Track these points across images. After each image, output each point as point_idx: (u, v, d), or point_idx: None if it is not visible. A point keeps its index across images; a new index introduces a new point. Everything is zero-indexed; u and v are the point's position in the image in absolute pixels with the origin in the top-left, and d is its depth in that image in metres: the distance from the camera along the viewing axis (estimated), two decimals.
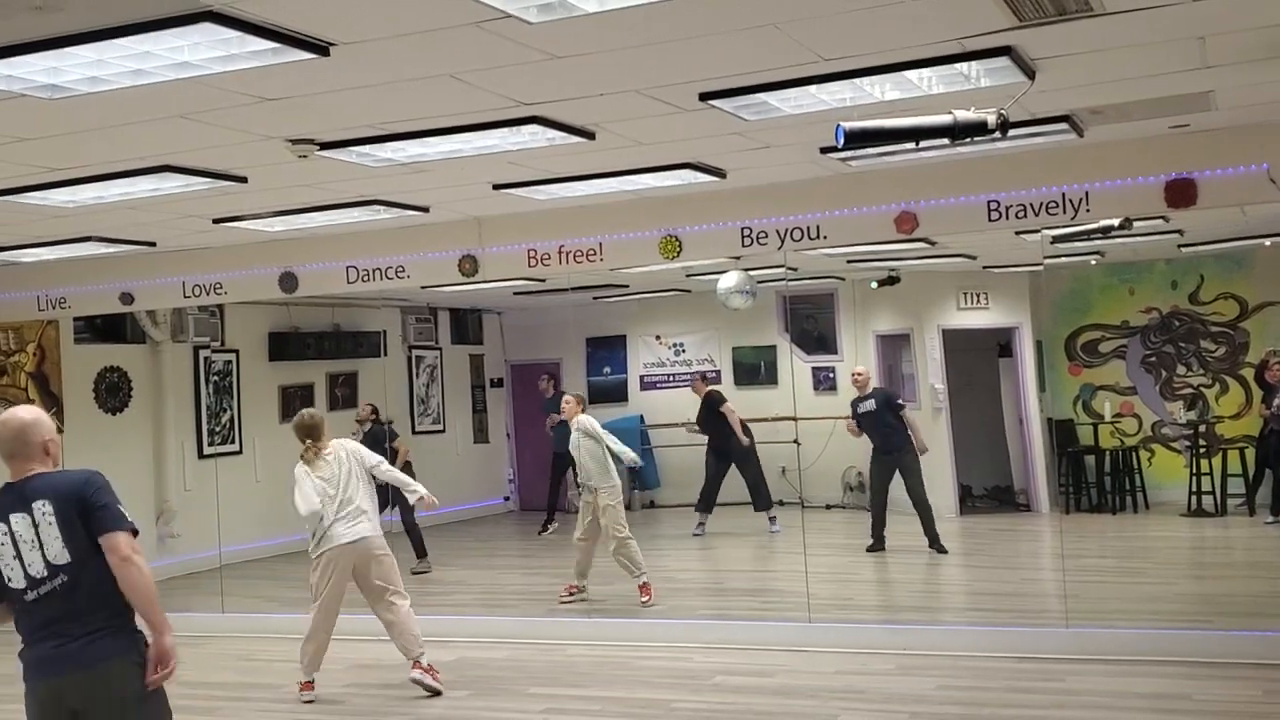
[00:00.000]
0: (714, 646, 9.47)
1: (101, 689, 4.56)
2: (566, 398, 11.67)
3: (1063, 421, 16.15)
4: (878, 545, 13.21)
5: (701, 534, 15.08)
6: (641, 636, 9.91)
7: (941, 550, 12.92)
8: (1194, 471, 14.86)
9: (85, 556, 4.53)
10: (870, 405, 13.35)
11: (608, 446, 11.10)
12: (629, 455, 11.21)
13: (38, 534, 4.54)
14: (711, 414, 15.18)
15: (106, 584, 4.54)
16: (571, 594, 11.31)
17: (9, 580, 4.61)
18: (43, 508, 4.54)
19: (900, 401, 13.47)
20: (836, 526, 15.50)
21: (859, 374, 13.68)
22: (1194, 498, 14.78)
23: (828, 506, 16.12)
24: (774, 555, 14.07)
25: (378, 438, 12.88)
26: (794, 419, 14.15)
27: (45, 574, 4.54)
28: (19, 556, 4.57)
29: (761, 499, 14.88)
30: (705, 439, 15.37)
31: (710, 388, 15.73)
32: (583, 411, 11.46)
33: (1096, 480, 15.69)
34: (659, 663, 9.18)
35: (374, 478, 8.85)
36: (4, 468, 4.72)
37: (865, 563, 13.19)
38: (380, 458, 9.04)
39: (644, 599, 10.95)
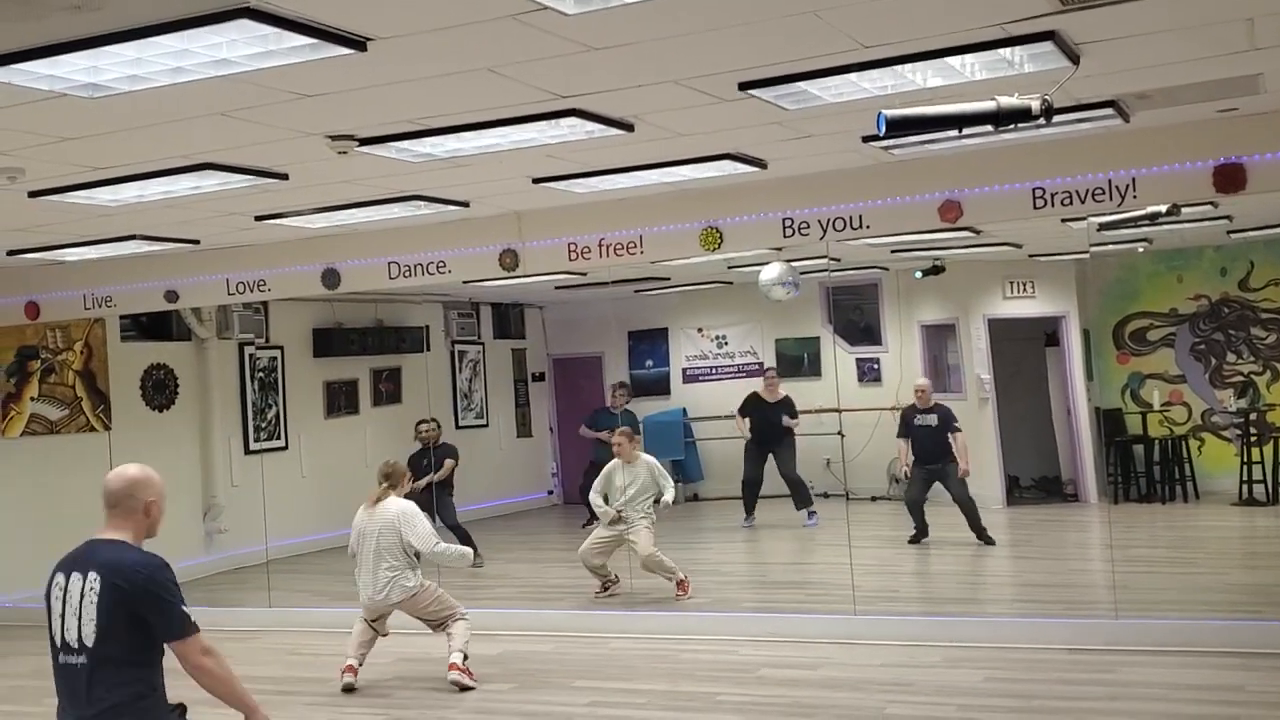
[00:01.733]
0: (759, 639, 9.43)
1: None
2: (619, 440, 11.42)
3: (1111, 411, 16.01)
4: (921, 534, 13.15)
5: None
6: (686, 629, 9.88)
7: (989, 541, 12.84)
8: (1245, 460, 14.71)
9: (110, 646, 4.39)
10: (933, 420, 13.28)
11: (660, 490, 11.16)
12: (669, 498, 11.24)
13: (81, 604, 4.42)
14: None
15: (115, 679, 4.41)
16: (606, 589, 11.29)
17: (52, 634, 4.52)
18: (94, 582, 4.42)
19: (957, 424, 13.34)
20: (881, 518, 15.42)
21: (924, 388, 13.57)
22: (1245, 487, 14.63)
23: (873, 498, 16.05)
24: (818, 548, 14.01)
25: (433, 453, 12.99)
26: (838, 411, 14.10)
27: (76, 646, 4.42)
28: (63, 616, 4.47)
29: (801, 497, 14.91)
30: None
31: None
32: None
33: (1145, 470, 15.54)
34: (704, 655, 9.15)
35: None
36: None
37: (910, 555, 13.13)
38: (428, 538, 8.85)
39: (680, 594, 10.92)
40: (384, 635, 9.07)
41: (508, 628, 10.19)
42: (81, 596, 4.42)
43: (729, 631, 9.69)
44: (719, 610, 10.73)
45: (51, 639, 4.52)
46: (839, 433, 13.95)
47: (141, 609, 4.40)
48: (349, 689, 8.74)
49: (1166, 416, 15.90)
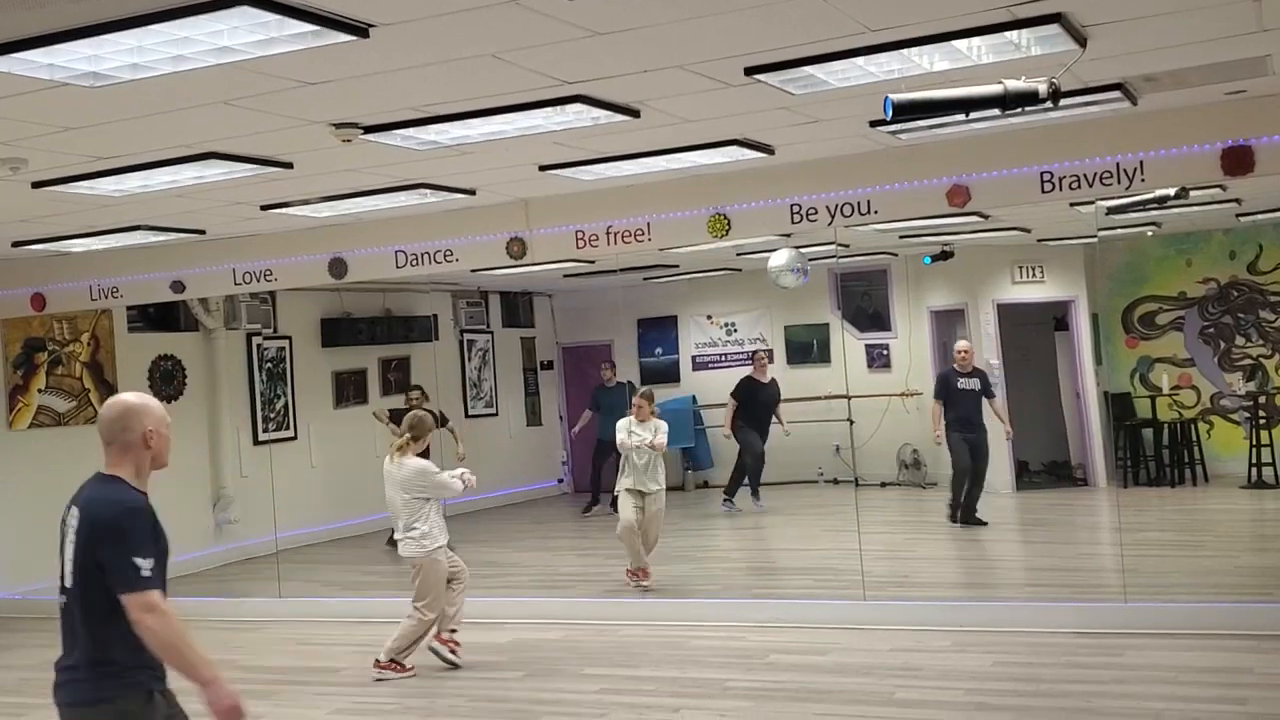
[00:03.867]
0: (768, 625, 9.43)
1: None
2: (639, 401, 11.29)
3: (1120, 395, 15.98)
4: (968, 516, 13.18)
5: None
6: (695, 616, 9.88)
7: (980, 523, 12.86)
8: (1254, 443, 14.68)
9: (84, 589, 4.15)
10: (975, 384, 13.21)
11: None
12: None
13: (63, 543, 4.23)
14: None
15: (94, 624, 4.14)
16: (637, 576, 11.24)
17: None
18: (74, 518, 4.22)
19: (991, 386, 13.26)
20: (891, 504, 15.44)
21: (965, 350, 13.45)
22: (1254, 470, 14.61)
23: (882, 484, 16.03)
24: (828, 533, 13.99)
25: None
26: (847, 397, 14.08)
27: (63, 585, 4.23)
28: (61, 552, 4.24)
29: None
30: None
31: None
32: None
33: (1154, 453, 15.52)
34: (713, 642, 9.14)
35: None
36: None
37: (920, 540, 13.13)
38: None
39: (635, 580, 10.97)
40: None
41: (518, 616, 10.19)
42: (64, 535, 4.22)
43: (738, 618, 9.69)
44: (728, 596, 10.74)
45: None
46: (848, 419, 13.93)
47: (99, 552, 4.11)
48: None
49: (1175, 400, 15.87)
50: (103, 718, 4.18)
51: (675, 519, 13.78)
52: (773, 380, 15.44)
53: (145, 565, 4.08)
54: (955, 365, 13.37)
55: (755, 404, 15.23)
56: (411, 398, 14.01)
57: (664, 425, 11.20)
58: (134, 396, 4.40)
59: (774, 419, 15.21)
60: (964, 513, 12.94)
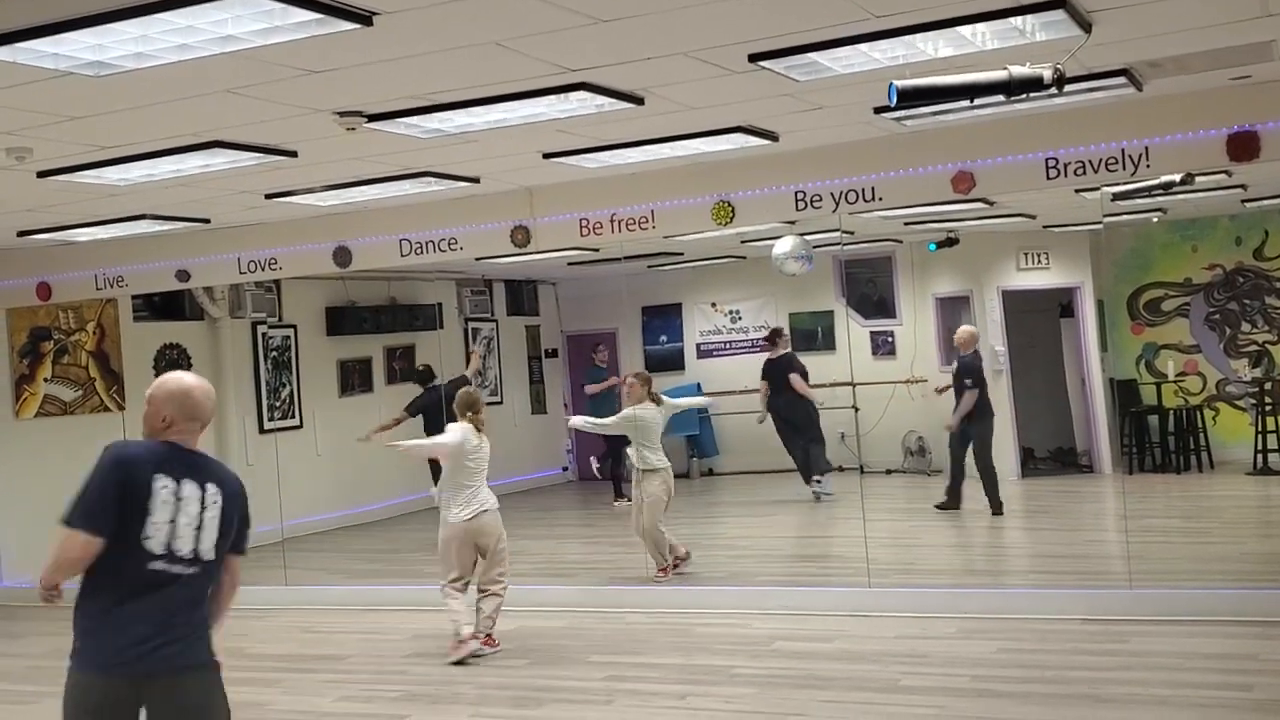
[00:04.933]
0: (773, 612, 9.43)
1: (188, 695, 4.33)
2: (631, 381, 11.22)
3: (1125, 381, 15.98)
4: (952, 503, 13.11)
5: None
6: (701, 603, 9.89)
7: (999, 512, 12.83)
8: (1259, 429, 14.67)
9: (219, 561, 4.41)
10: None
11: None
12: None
13: (202, 516, 4.32)
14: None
15: (207, 591, 4.45)
16: (676, 565, 11.05)
17: (143, 538, 4.21)
18: (215, 496, 4.37)
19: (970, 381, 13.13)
20: (896, 491, 15.45)
21: (960, 335, 13.40)
22: (1260, 456, 14.60)
23: (887, 471, 16.04)
24: (833, 521, 14.01)
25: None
26: (852, 385, 14.08)
27: (188, 558, 4.29)
28: (173, 523, 4.25)
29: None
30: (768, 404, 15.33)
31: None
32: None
33: (1160, 440, 15.52)
34: (718, 629, 9.16)
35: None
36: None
37: (925, 527, 13.12)
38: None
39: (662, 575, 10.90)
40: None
41: (523, 603, 10.18)
42: (203, 509, 4.33)
43: (743, 605, 9.70)
44: (733, 584, 10.74)
45: (138, 543, 4.20)
46: (853, 406, 13.93)
47: (240, 524, 4.49)
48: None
49: (1181, 387, 15.86)
50: (214, 678, 4.45)
51: (681, 506, 13.77)
52: (783, 355, 15.34)
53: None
54: (960, 349, 13.31)
55: (772, 382, 15.22)
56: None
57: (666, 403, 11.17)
58: (208, 382, 4.58)
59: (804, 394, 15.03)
60: (990, 503, 12.88)
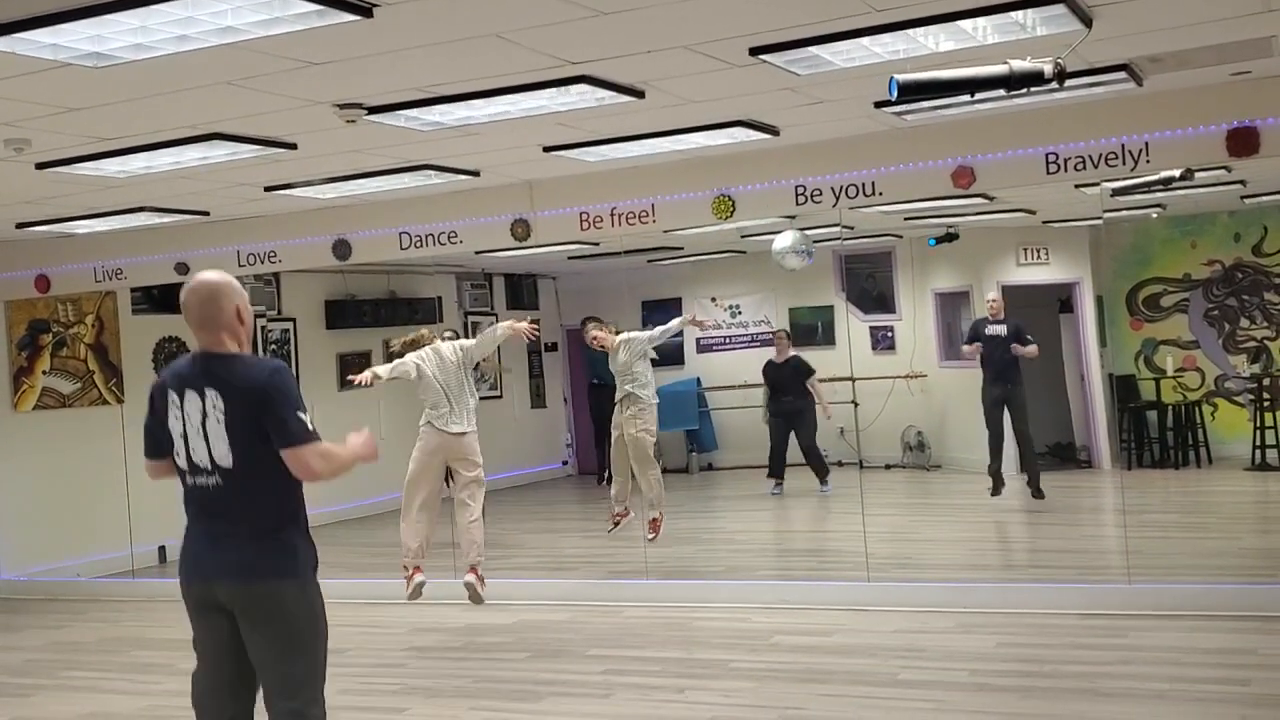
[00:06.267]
0: (772, 606, 9.43)
1: (258, 608, 4.37)
2: (591, 333, 11.21)
3: (1124, 377, 15.97)
4: (997, 489, 13.02)
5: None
6: (700, 598, 9.88)
7: (1039, 495, 12.79)
8: (1258, 425, 14.67)
9: (250, 463, 4.32)
10: (1001, 330, 12.93)
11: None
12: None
13: (204, 425, 4.32)
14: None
15: (272, 494, 4.38)
16: (617, 523, 11.13)
17: (176, 455, 4.44)
18: (215, 400, 4.30)
19: (1029, 336, 13.01)
20: (896, 486, 15.45)
21: (995, 299, 13.31)
22: (1258, 452, 14.60)
23: (887, 466, 16.04)
24: (832, 515, 14.01)
25: None
26: (851, 379, 14.07)
27: (208, 466, 4.34)
28: (185, 436, 4.37)
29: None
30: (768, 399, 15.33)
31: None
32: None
33: (1159, 435, 15.53)
34: (717, 623, 9.15)
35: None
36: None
37: (925, 521, 13.13)
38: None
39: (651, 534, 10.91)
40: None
41: (523, 597, 10.20)
42: (205, 417, 4.32)
43: (742, 599, 9.69)
44: (733, 578, 10.74)
45: (173, 458, 4.46)
46: (853, 401, 13.92)
47: (264, 418, 4.32)
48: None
49: (1180, 382, 15.86)
50: (281, 588, 4.41)
51: (680, 500, 13.79)
52: (791, 358, 15.35)
53: (307, 418, 4.40)
54: (988, 314, 13.23)
55: (775, 385, 15.21)
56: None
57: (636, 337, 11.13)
58: (216, 275, 4.50)
59: (814, 399, 15.06)
60: (1028, 480, 12.74)
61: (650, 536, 10.81)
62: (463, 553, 9.67)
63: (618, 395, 10.98)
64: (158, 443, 4.53)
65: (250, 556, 4.37)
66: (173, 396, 4.40)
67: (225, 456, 4.31)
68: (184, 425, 4.38)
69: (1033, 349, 12.82)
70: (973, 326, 13.44)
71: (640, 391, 10.89)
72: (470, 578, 9.57)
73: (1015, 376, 12.94)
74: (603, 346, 11.09)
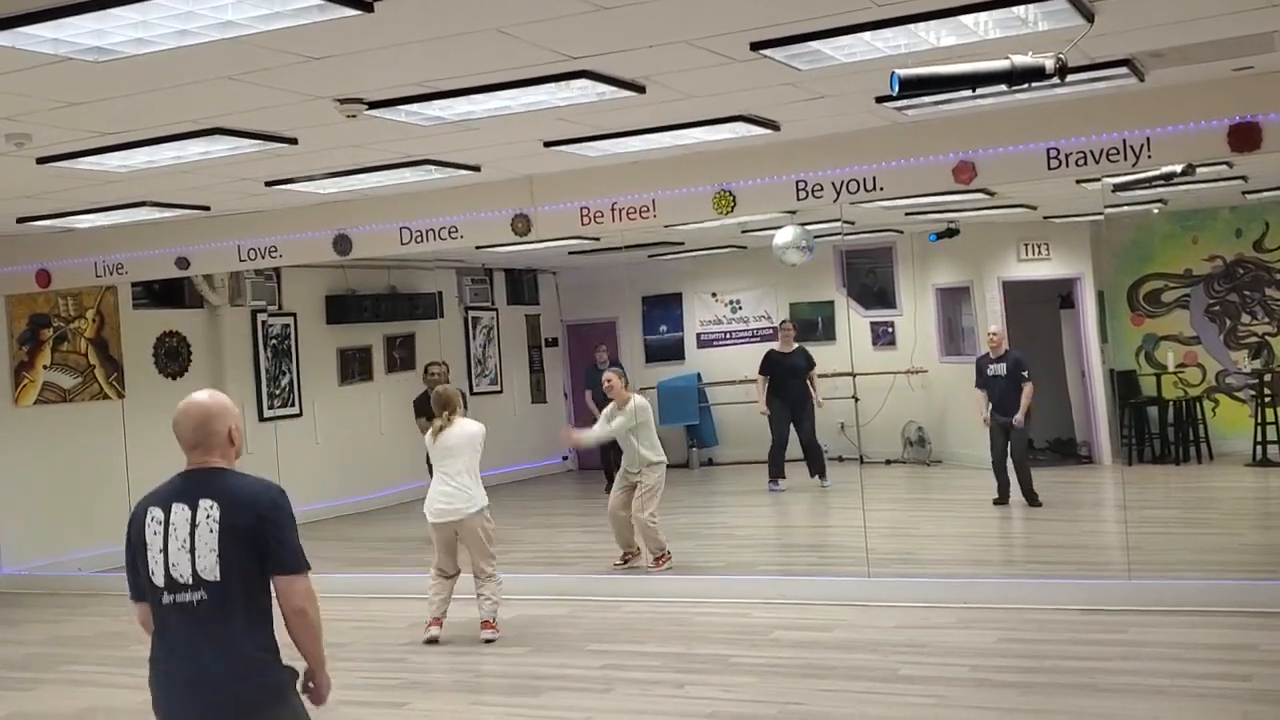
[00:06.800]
0: (773, 602, 9.44)
1: None
2: (609, 376, 11.12)
3: (1125, 372, 15.97)
4: (1003, 498, 13.02)
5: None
6: (700, 593, 9.89)
7: (1036, 504, 12.82)
8: (1259, 421, 14.67)
9: (235, 579, 4.05)
10: (1001, 370, 12.95)
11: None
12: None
13: (193, 535, 4.05)
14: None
15: (256, 612, 4.12)
16: (626, 560, 11.16)
17: (151, 574, 4.11)
18: (209, 509, 4.07)
19: (1025, 373, 12.99)
20: (896, 481, 15.45)
21: (994, 334, 13.27)
22: (1259, 447, 14.59)
23: (887, 461, 16.05)
24: (832, 511, 14.02)
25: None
26: (852, 375, 14.08)
27: (189, 580, 4.04)
28: (165, 551, 4.08)
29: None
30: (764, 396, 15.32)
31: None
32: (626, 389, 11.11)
33: (1160, 431, 15.53)
34: (717, 618, 9.16)
35: None
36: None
37: (925, 517, 13.13)
38: None
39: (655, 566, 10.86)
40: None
41: (523, 592, 10.19)
42: (194, 527, 4.05)
43: (742, 594, 9.70)
44: (732, 573, 10.75)
45: (150, 583, 4.11)
46: (853, 396, 13.93)
47: (261, 539, 4.07)
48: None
49: (1181, 378, 15.85)
50: (283, 714, 4.26)
51: (679, 496, 13.79)
52: (797, 349, 15.38)
53: (301, 548, 4.17)
54: (988, 350, 13.19)
55: (779, 376, 15.22)
56: (433, 372, 13.81)
57: (641, 407, 11.06)
58: (207, 396, 4.34)
59: (811, 391, 15.11)
60: (1024, 494, 12.84)
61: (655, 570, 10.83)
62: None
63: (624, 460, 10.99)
64: (141, 585, 4.20)
65: (235, 695, 4.14)
66: (154, 512, 4.15)
67: (211, 570, 4.04)
68: (165, 539, 4.10)
69: (1027, 392, 12.80)
70: (977, 367, 13.36)
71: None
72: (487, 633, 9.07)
73: (1015, 408, 12.92)
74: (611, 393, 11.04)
